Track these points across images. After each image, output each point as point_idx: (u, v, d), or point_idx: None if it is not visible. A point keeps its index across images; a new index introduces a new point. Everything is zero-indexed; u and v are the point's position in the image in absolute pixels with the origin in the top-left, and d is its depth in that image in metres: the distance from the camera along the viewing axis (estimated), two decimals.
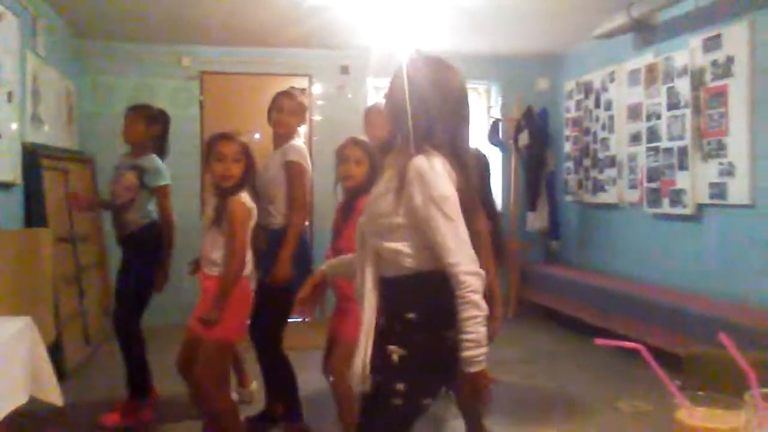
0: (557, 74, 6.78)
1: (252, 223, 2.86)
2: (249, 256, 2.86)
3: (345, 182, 2.87)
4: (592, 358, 4.82)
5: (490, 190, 2.96)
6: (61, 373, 3.96)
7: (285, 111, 3.40)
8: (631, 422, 3.62)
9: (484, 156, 2.93)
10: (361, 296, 1.81)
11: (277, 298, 3.23)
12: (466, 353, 1.63)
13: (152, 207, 3.68)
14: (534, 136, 6.46)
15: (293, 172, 3.33)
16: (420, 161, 1.70)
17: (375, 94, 6.42)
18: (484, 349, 1.64)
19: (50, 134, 4.98)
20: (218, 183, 2.85)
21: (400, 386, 1.70)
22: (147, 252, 3.63)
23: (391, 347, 1.72)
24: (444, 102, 1.77)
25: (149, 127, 3.69)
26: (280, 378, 3.41)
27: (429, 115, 1.75)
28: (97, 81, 6.05)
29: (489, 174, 2.96)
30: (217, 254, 2.81)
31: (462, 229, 1.68)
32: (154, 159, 3.67)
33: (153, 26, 5.58)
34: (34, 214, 4.37)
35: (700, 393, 0.95)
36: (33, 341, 2.29)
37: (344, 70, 6.40)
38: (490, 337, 2.81)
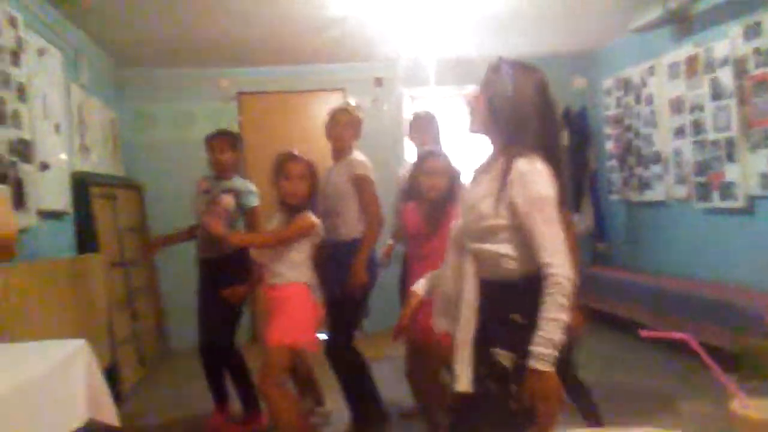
0: (594, 72, 6.66)
1: (317, 239, 3.10)
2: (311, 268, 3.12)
3: (430, 194, 3.04)
4: (648, 361, 4.69)
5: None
6: (118, 395, 4.05)
7: (341, 125, 3.57)
8: (691, 423, 3.50)
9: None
10: (463, 301, 1.83)
11: (350, 306, 3.40)
12: (537, 348, 1.64)
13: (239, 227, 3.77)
14: (574, 136, 6.36)
15: (365, 186, 3.47)
16: (522, 162, 1.74)
17: (411, 103, 6.42)
18: (555, 352, 1.64)
19: (97, 162, 5.13)
20: (284, 199, 3.09)
21: (516, 389, 1.71)
22: (243, 271, 3.60)
23: (500, 352, 1.74)
24: (534, 106, 1.81)
25: (234, 151, 3.80)
26: (356, 381, 3.49)
27: (522, 119, 1.79)
28: (138, 109, 6.21)
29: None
30: (282, 266, 3.03)
31: (559, 231, 1.71)
32: (245, 181, 3.82)
33: (189, 51, 5.71)
34: (86, 240, 4.50)
35: (754, 383, 0.91)
36: (88, 363, 2.34)
37: (378, 82, 6.42)
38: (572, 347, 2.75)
